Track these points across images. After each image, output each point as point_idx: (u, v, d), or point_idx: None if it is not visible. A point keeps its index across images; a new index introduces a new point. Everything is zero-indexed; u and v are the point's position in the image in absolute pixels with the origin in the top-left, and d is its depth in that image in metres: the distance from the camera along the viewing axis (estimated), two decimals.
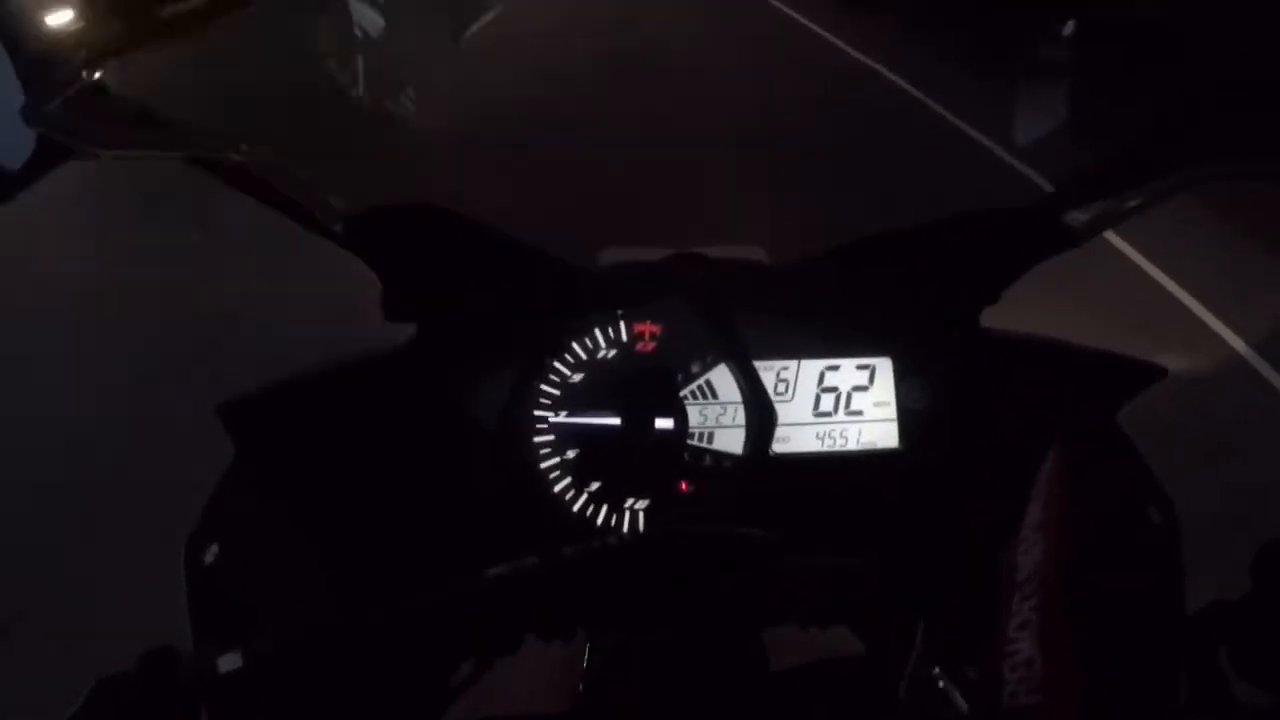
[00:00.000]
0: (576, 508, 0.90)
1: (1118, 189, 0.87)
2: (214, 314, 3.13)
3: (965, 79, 6.62)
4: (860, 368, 0.93)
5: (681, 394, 0.90)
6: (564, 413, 0.89)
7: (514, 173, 4.19)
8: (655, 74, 6.44)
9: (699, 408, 0.90)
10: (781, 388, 0.92)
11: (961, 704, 0.68)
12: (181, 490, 0.78)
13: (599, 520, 0.90)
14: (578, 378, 0.90)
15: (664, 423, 0.90)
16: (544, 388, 0.89)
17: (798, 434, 0.92)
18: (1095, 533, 0.76)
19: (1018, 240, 0.90)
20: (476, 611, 0.73)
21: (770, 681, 0.77)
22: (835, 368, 0.93)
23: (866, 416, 0.93)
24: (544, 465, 0.89)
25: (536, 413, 0.89)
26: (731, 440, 0.91)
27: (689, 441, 0.90)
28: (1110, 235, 3.77)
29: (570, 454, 0.90)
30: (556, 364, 0.90)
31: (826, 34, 8.68)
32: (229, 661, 0.62)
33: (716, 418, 0.91)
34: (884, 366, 0.93)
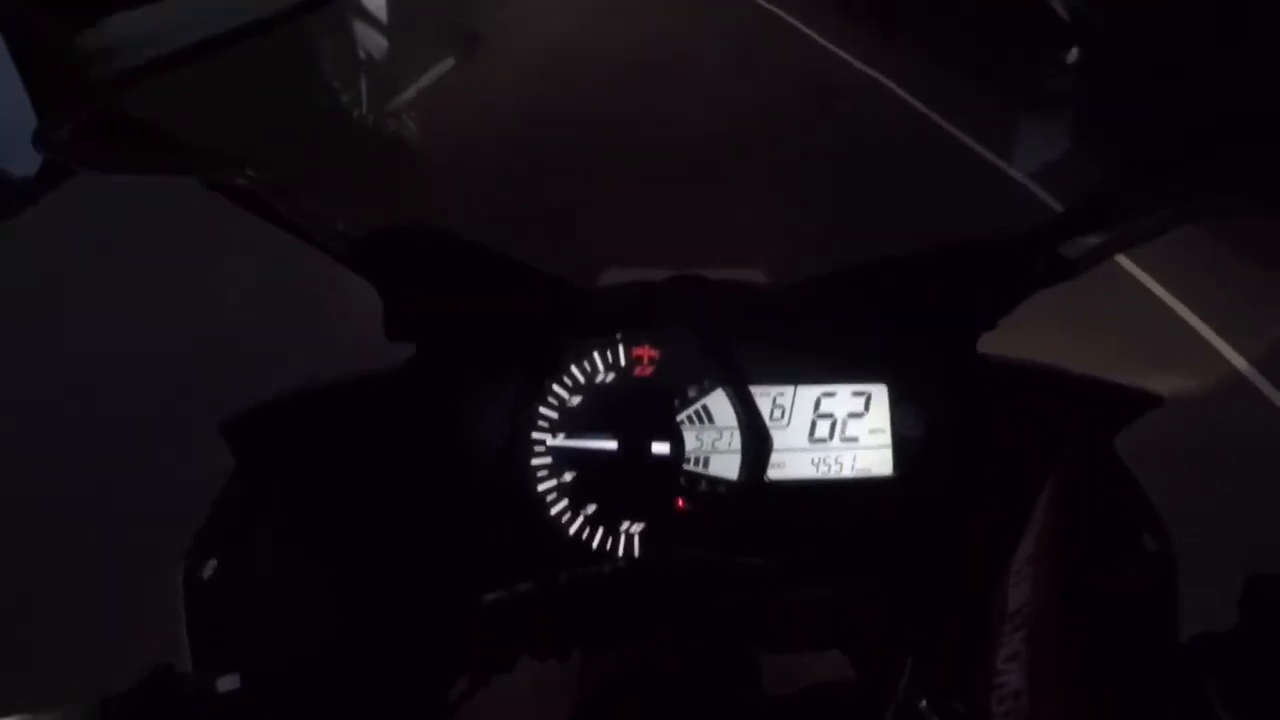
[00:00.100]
0: (573, 530, 0.90)
1: (1114, 222, 0.87)
2: (216, 327, 3.14)
3: (974, 97, 6.63)
4: (856, 394, 0.94)
5: (678, 418, 0.91)
6: (562, 435, 0.90)
7: (516, 191, 4.21)
8: (659, 91, 6.45)
9: (695, 432, 0.91)
10: (778, 414, 0.93)
11: None
12: (181, 505, 0.79)
13: (595, 543, 0.90)
14: (576, 401, 0.91)
15: (661, 447, 0.90)
16: (542, 410, 0.90)
17: (793, 460, 0.93)
18: (1088, 565, 0.77)
19: (1015, 271, 0.91)
20: (472, 634, 0.73)
21: (764, 707, 0.77)
22: (831, 394, 0.93)
23: (861, 443, 0.94)
24: (541, 488, 0.90)
25: (534, 435, 0.90)
26: (727, 465, 0.91)
27: (685, 466, 0.91)
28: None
29: (567, 477, 0.90)
30: (555, 387, 0.90)
31: (835, 48, 8.70)
32: (228, 682, 0.62)
33: (713, 443, 0.91)
34: (879, 393, 0.94)
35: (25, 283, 3.49)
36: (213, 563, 0.72)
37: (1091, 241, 0.87)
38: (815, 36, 9.18)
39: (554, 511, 0.90)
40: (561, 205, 4.00)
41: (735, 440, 0.91)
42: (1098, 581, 0.76)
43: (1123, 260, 4.16)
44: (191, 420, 0.99)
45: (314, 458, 0.86)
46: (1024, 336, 0.94)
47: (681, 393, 0.91)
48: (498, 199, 3.95)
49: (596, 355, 0.91)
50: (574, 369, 0.91)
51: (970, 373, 0.94)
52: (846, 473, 0.94)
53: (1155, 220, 0.86)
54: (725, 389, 0.91)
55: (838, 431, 0.93)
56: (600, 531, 0.91)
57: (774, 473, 0.92)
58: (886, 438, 0.94)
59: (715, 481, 0.91)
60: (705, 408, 0.91)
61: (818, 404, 0.93)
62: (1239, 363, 3.71)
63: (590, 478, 0.90)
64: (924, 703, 0.67)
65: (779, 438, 0.92)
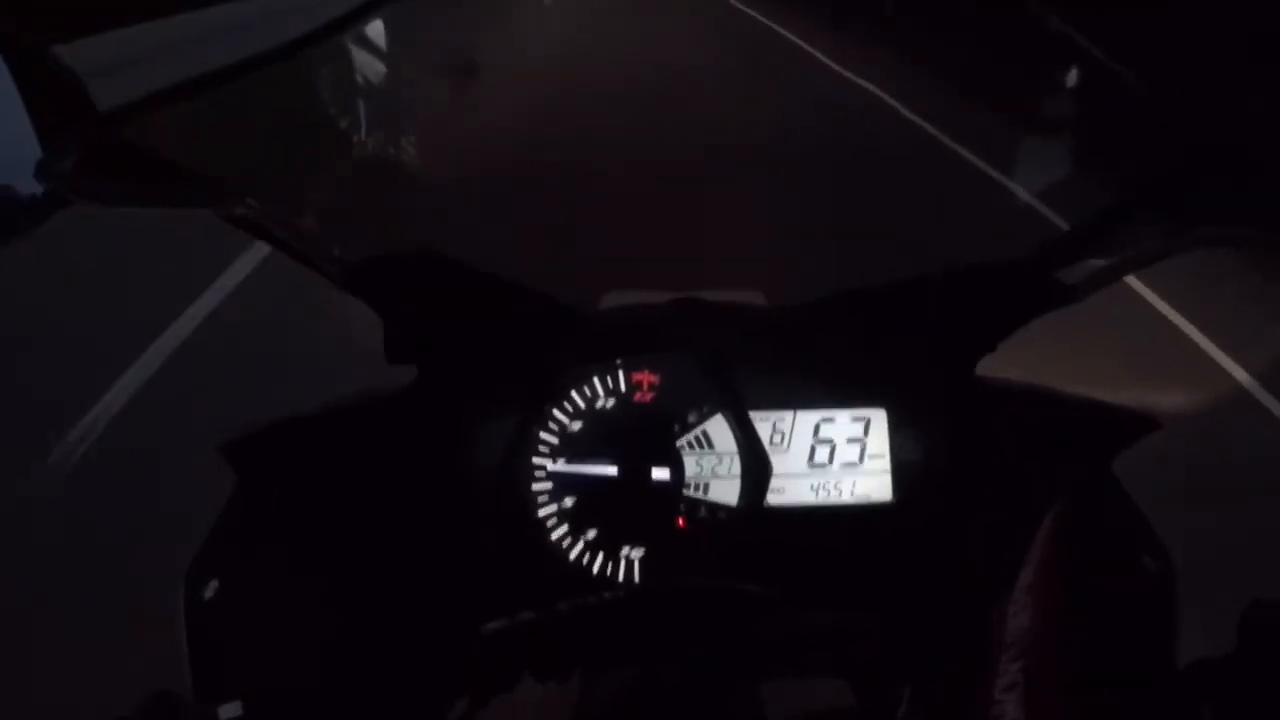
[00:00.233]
0: (573, 556, 0.90)
1: (1115, 246, 0.88)
2: (218, 346, 3.15)
3: (977, 115, 6.66)
4: (855, 419, 0.94)
5: (678, 444, 0.91)
6: (562, 461, 0.90)
7: (517, 214, 4.22)
8: (657, 111, 6.48)
9: (695, 458, 0.91)
10: (777, 439, 0.93)
11: None
12: (182, 526, 0.79)
13: (595, 568, 0.90)
14: (576, 426, 0.91)
15: (661, 472, 0.90)
16: (543, 435, 0.90)
17: (792, 485, 0.93)
18: (1087, 593, 0.77)
19: (1015, 295, 0.91)
20: (473, 659, 0.73)
21: None
22: (830, 419, 0.93)
23: (861, 468, 0.94)
24: (541, 513, 0.90)
25: (535, 460, 0.90)
26: (727, 491, 0.91)
27: (685, 491, 0.91)
28: None
29: (568, 502, 0.90)
30: (555, 412, 0.91)
31: (836, 66, 8.73)
32: (229, 710, 0.62)
33: (712, 468, 0.91)
34: (879, 418, 0.94)
35: (27, 295, 3.50)
36: (214, 583, 0.73)
37: (1092, 266, 0.88)
38: (817, 54, 9.23)
39: (554, 536, 0.90)
40: (561, 228, 4.01)
41: (735, 466, 0.91)
42: (1096, 610, 0.76)
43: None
44: (193, 441, 0.99)
45: (315, 480, 0.86)
46: (1024, 351, 0.94)
47: (681, 418, 0.91)
48: (497, 222, 3.97)
49: (596, 380, 0.91)
50: (574, 394, 0.91)
51: (969, 397, 0.94)
52: (846, 498, 0.93)
53: (1156, 246, 0.87)
54: (725, 414, 0.91)
55: (837, 457, 0.93)
56: (600, 556, 0.91)
57: (773, 498, 0.92)
58: (886, 463, 0.94)
59: (715, 507, 0.91)
60: (705, 433, 0.91)
61: (817, 429, 0.93)
62: (1241, 376, 3.71)
63: (591, 503, 0.90)
64: None
65: (778, 463, 0.92)
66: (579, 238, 3.87)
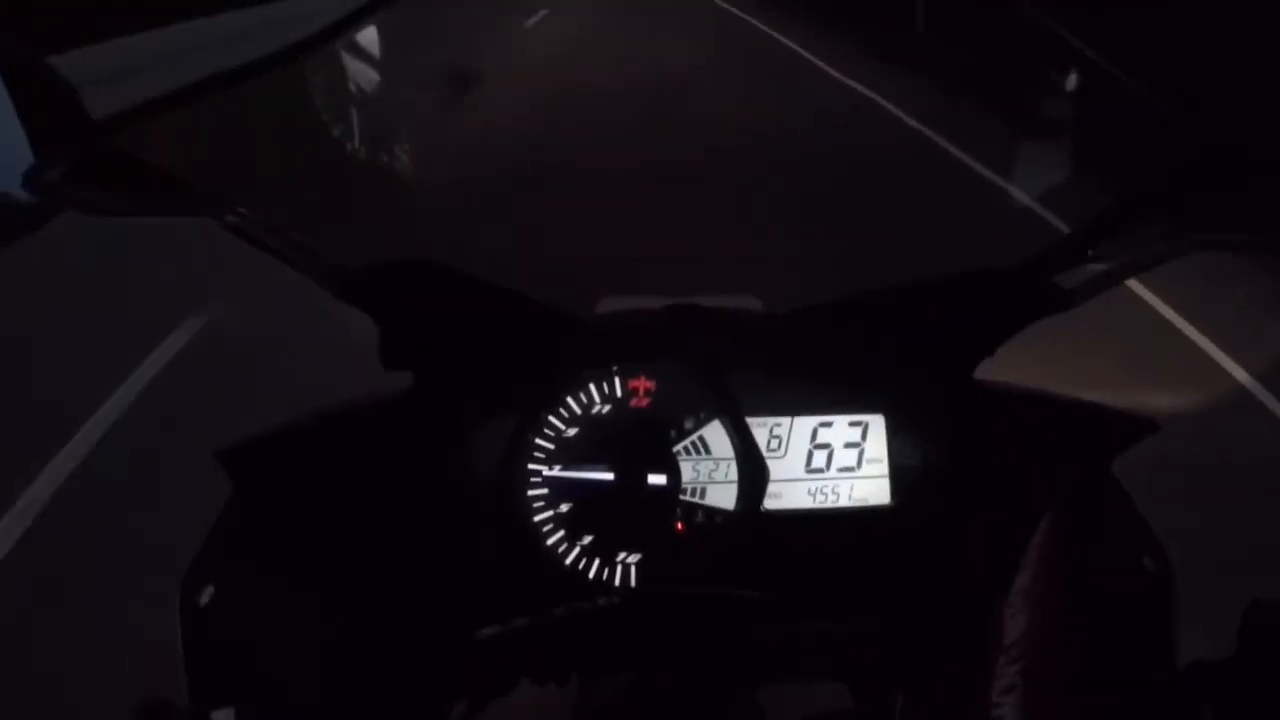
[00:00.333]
0: (569, 561, 0.90)
1: (1112, 251, 0.88)
2: (212, 353, 3.15)
3: (974, 117, 6.67)
4: (853, 424, 0.94)
5: (675, 449, 0.91)
6: (558, 467, 0.90)
7: (514, 219, 4.23)
8: (655, 117, 6.49)
9: (692, 463, 0.91)
10: (774, 444, 0.92)
11: None
12: (177, 532, 0.79)
13: (591, 574, 0.90)
14: (572, 432, 0.91)
15: (657, 478, 0.90)
16: (538, 441, 0.90)
17: (790, 490, 0.93)
18: (1085, 596, 0.76)
19: (1013, 300, 0.91)
20: (470, 665, 0.73)
21: None
22: (828, 424, 0.93)
23: (859, 473, 0.93)
24: (537, 519, 0.90)
25: (530, 466, 0.90)
26: (724, 496, 0.91)
27: (682, 497, 0.91)
28: None
29: (563, 508, 0.90)
30: (551, 418, 0.91)
31: (835, 72, 8.75)
32: (223, 716, 0.62)
33: (709, 473, 0.91)
34: (877, 423, 0.94)
35: (27, 296, 3.50)
36: (210, 589, 0.72)
37: (1091, 270, 0.88)
38: (814, 59, 9.25)
39: (550, 542, 0.90)
40: (559, 232, 4.02)
41: (732, 471, 0.91)
42: (1095, 611, 0.76)
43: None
44: (189, 447, 0.99)
45: (311, 486, 0.86)
46: (1023, 353, 0.94)
47: (678, 424, 0.91)
48: (494, 227, 3.97)
49: (593, 386, 0.91)
50: (570, 400, 0.91)
51: (967, 401, 0.94)
52: (844, 503, 0.93)
53: (1155, 250, 0.87)
54: (722, 420, 0.91)
55: (835, 462, 0.93)
56: (597, 562, 0.90)
57: (771, 503, 0.92)
58: (884, 467, 0.94)
59: (712, 512, 0.91)
60: (702, 439, 0.91)
61: (814, 434, 0.93)
62: (1242, 376, 3.70)
63: (587, 509, 0.90)
64: None
65: (776, 468, 0.92)
66: (577, 242, 3.88)
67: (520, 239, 3.78)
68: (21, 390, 3.07)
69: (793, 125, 6.72)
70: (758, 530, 0.91)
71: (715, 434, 0.91)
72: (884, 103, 7.59)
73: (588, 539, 0.90)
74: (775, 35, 10.41)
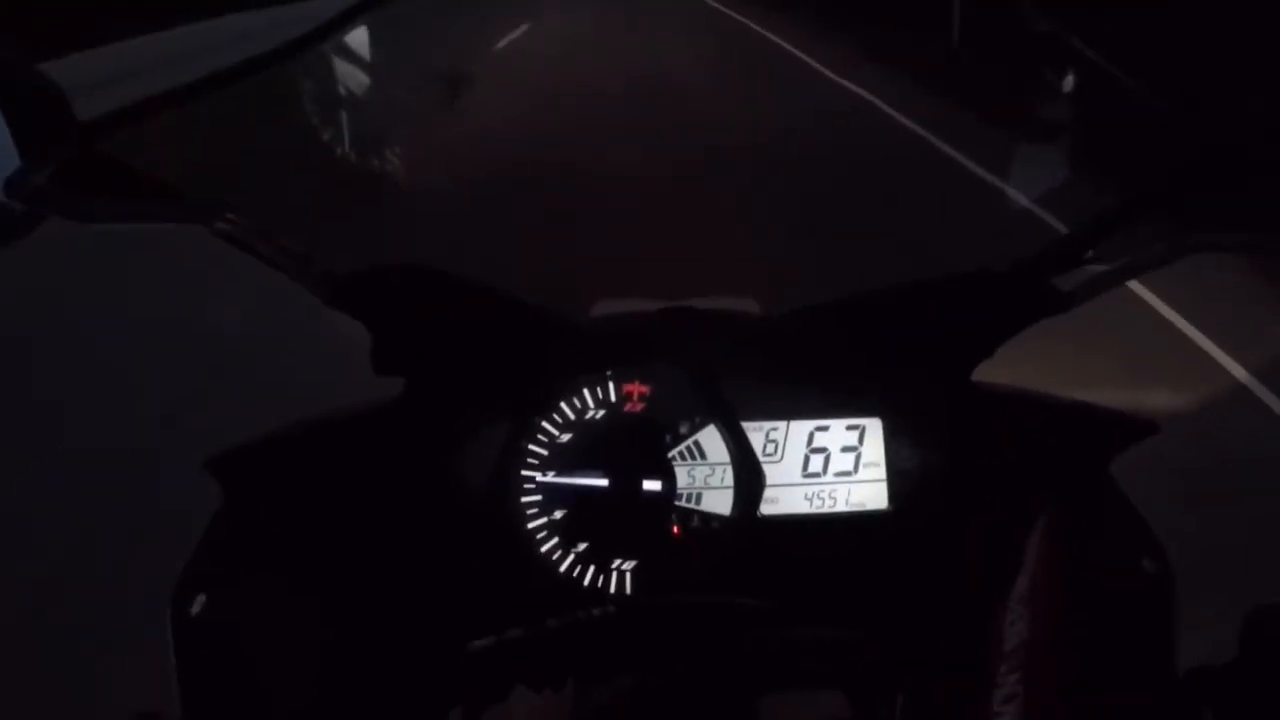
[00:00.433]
0: (564, 568, 0.89)
1: (1110, 253, 0.87)
2: (203, 360, 3.14)
3: (973, 118, 6.67)
4: (850, 428, 0.93)
5: (670, 455, 0.90)
6: (552, 473, 0.89)
7: (508, 221, 4.22)
8: (649, 119, 6.50)
9: (687, 469, 0.90)
10: (771, 449, 0.92)
11: None
12: (168, 542, 0.79)
13: (586, 581, 0.89)
14: (566, 438, 0.90)
15: (652, 484, 0.89)
16: (532, 447, 0.89)
17: (786, 495, 0.92)
18: (1086, 596, 0.76)
19: (1011, 302, 0.90)
20: (464, 675, 0.72)
21: None
22: (825, 428, 0.93)
23: (856, 477, 0.93)
24: (531, 525, 0.89)
25: (524, 472, 0.89)
26: (720, 501, 0.90)
27: (677, 503, 0.90)
28: None
29: (558, 514, 0.89)
30: (545, 424, 0.90)
31: (833, 74, 8.76)
32: None
33: (705, 479, 0.90)
34: (874, 427, 0.93)
35: (27, 295, 3.49)
36: (201, 598, 0.72)
37: (1090, 271, 0.87)
38: (812, 62, 9.25)
39: (544, 549, 0.89)
40: (555, 234, 4.01)
41: (728, 476, 0.90)
42: (1095, 614, 0.75)
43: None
44: (179, 454, 0.99)
45: (302, 494, 0.85)
46: (1021, 352, 0.93)
47: (673, 429, 0.90)
48: (490, 229, 3.96)
49: (586, 391, 0.90)
50: (564, 405, 0.90)
51: (965, 403, 0.93)
52: (841, 507, 0.92)
53: (1155, 252, 0.86)
54: (717, 425, 0.90)
55: (831, 466, 0.92)
56: (592, 569, 0.90)
57: (767, 508, 0.91)
58: (881, 471, 0.93)
59: (708, 518, 0.90)
60: (697, 444, 0.90)
61: (811, 438, 0.92)
62: (1241, 375, 3.70)
63: (581, 515, 0.89)
64: None
65: (772, 473, 0.91)
66: (573, 244, 3.87)
67: (515, 242, 3.77)
68: (21, 390, 3.06)
69: (791, 126, 6.73)
70: (754, 536, 0.90)
71: (711, 439, 0.90)
72: (882, 105, 7.59)
73: (582, 546, 0.89)
74: (771, 37, 10.41)
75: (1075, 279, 0.87)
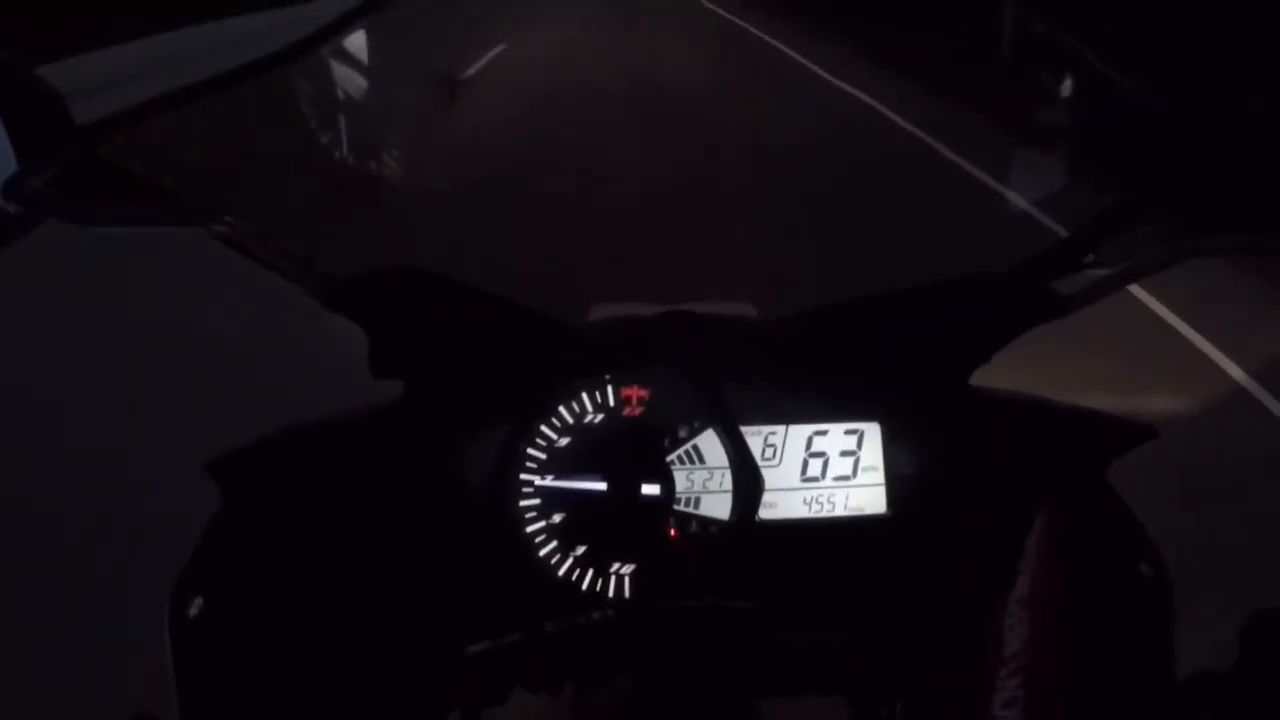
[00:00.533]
0: (562, 572, 0.89)
1: (1109, 257, 0.87)
2: (202, 363, 3.14)
3: (973, 121, 6.67)
4: (848, 432, 0.93)
5: (668, 459, 0.90)
6: (550, 476, 0.89)
7: (507, 223, 4.22)
8: (648, 122, 6.50)
9: (686, 473, 0.90)
10: (769, 453, 0.92)
11: None
12: (166, 545, 0.78)
13: (585, 585, 0.89)
14: (565, 441, 0.90)
15: (651, 488, 0.89)
16: (531, 451, 0.89)
17: (785, 499, 0.92)
18: (1083, 602, 0.76)
19: (1009, 307, 0.90)
20: (461, 678, 0.72)
21: None
22: (823, 432, 0.92)
23: (854, 481, 0.93)
24: (530, 529, 0.89)
25: (523, 476, 0.89)
26: (718, 506, 0.90)
27: (676, 507, 0.90)
28: None
29: (556, 518, 0.89)
30: (544, 427, 0.90)
31: (832, 77, 8.76)
32: None
33: (704, 483, 0.90)
34: (872, 431, 0.93)
35: (27, 295, 3.49)
36: (199, 601, 0.72)
37: (1088, 277, 0.87)
38: (812, 66, 9.25)
39: (543, 553, 0.89)
40: (556, 236, 4.01)
41: (726, 480, 0.90)
42: (1094, 620, 0.75)
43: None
44: (178, 457, 0.99)
45: (301, 497, 0.85)
46: (1020, 353, 0.93)
47: (672, 433, 0.90)
48: (490, 230, 3.96)
49: (585, 395, 0.90)
50: (563, 409, 0.90)
51: (964, 407, 0.93)
52: (840, 511, 0.92)
53: (1154, 256, 0.86)
54: (716, 429, 0.90)
55: (830, 470, 0.92)
56: (590, 573, 0.89)
57: (766, 513, 0.91)
58: (880, 475, 0.93)
59: (707, 522, 0.90)
60: (696, 448, 0.90)
61: (809, 442, 0.92)
62: (1237, 374, 3.70)
63: (580, 519, 0.89)
64: None
65: (771, 477, 0.91)
66: (572, 246, 3.87)
67: (516, 245, 3.77)
68: (21, 391, 3.06)
69: (791, 129, 6.74)
70: (752, 540, 0.90)
71: (709, 443, 0.90)
72: (881, 107, 7.59)
73: (581, 549, 0.89)
74: (770, 40, 10.42)
75: (1074, 283, 0.87)
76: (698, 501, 0.90)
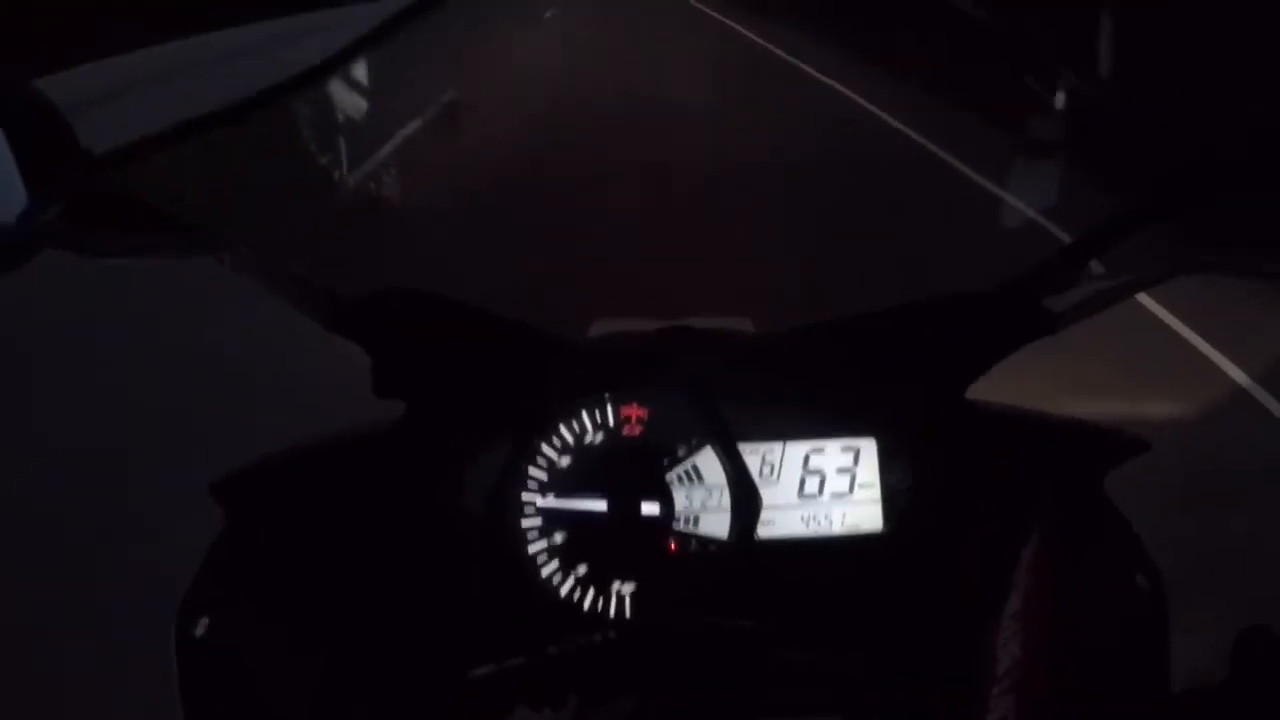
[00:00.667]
0: (564, 592, 0.90)
1: (1103, 275, 0.88)
2: (204, 384, 3.15)
3: (975, 129, 6.66)
4: (845, 449, 0.94)
5: (668, 477, 0.91)
6: (551, 496, 0.90)
7: (509, 237, 4.22)
8: (658, 133, 6.49)
9: (685, 491, 0.91)
10: (767, 470, 0.92)
11: None
12: (171, 565, 0.79)
13: (586, 604, 0.90)
14: (565, 461, 0.91)
15: (650, 507, 0.90)
16: (531, 471, 0.90)
17: (782, 517, 0.93)
18: (1078, 614, 0.76)
19: (1003, 323, 0.91)
20: (463, 698, 0.73)
21: None
22: (820, 450, 0.93)
23: (851, 499, 0.93)
24: (531, 549, 0.90)
25: (524, 496, 0.90)
26: (717, 524, 0.91)
27: (675, 525, 0.91)
28: None
29: (557, 538, 0.90)
30: (544, 447, 0.90)
31: (834, 83, 8.75)
32: None
33: (702, 501, 0.91)
34: (869, 448, 0.94)
35: (27, 296, 3.50)
36: (205, 620, 0.73)
37: (1084, 290, 0.88)
38: (813, 73, 9.25)
39: (545, 573, 0.90)
40: (551, 253, 4.01)
41: (725, 499, 0.91)
42: (1088, 632, 0.76)
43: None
44: (180, 477, 1.00)
45: (303, 517, 0.86)
46: (1019, 360, 0.94)
47: (670, 451, 0.91)
48: (492, 246, 3.96)
49: (585, 415, 0.91)
50: (563, 429, 0.91)
51: (960, 422, 0.93)
52: (836, 528, 0.93)
53: (1153, 271, 0.87)
54: (714, 447, 0.91)
55: (827, 487, 0.93)
56: (591, 592, 0.90)
57: (763, 530, 0.92)
58: (876, 492, 0.94)
59: (706, 540, 0.91)
60: (695, 466, 0.91)
61: (807, 460, 0.93)
62: (1239, 376, 3.69)
63: (580, 538, 0.90)
64: None
65: (768, 495, 0.92)
66: (573, 259, 3.87)
67: (515, 259, 3.77)
68: (21, 391, 3.07)
69: (794, 139, 6.73)
70: (751, 558, 0.90)
71: (708, 461, 0.91)
72: (882, 114, 7.59)
73: (582, 569, 0.90)
74: (771, 48, 10.42)
75: (1072, 297, 0.88)
76: (697, 520, 0.91)
